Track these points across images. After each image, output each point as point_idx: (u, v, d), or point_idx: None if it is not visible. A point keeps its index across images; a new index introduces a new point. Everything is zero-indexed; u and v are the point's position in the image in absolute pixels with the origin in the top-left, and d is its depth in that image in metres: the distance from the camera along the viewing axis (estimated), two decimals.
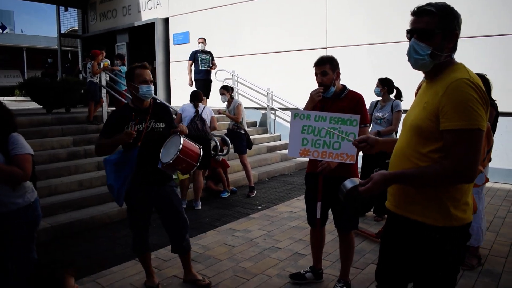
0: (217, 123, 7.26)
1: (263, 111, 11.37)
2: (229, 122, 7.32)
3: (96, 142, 3.48)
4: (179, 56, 13.21)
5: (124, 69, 9.97)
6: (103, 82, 8.73)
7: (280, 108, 10.86)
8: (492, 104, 4.07)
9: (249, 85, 11.53)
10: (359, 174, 3.58)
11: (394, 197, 2.23)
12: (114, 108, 6.54)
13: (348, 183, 2.17)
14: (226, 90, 7.10)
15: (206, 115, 6.46)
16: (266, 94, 11.09)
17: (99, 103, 8.60)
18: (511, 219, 5.65)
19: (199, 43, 9.98)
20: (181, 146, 3.25)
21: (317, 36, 10.28)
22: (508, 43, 7.74)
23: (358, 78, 8.59)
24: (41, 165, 6.32)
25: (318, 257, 3.84)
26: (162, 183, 3.52)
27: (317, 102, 3.45)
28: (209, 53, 10.09)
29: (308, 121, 3.33)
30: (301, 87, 10.52)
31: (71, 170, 6.54)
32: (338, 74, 3.45)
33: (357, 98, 3.42)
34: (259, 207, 6.39)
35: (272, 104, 11.04)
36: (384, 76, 5.87)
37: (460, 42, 2.06)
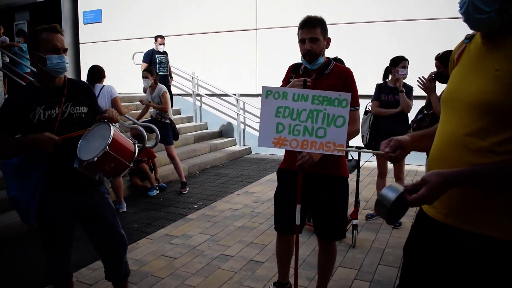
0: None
1: (188, 98, 10.42)
2: (152, 110, 6.35)
3: None
4: (91, 36, 11.79)
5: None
6: None
7: (206, 94, 9.99)
8: None
9: (172, 69, 10.47)
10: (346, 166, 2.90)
11: (443, 203, 1.56)
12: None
13: (390, 193, 1.48)
14: (150, 74, 6.14)
15: (104, 98, 5.08)
16: (191, 79, 10.15)
17: None
18: None
19: (159, 43, 8.39)
20: (110, 138, 2.36)
21: (246, 16, 9.55)
22: None
23: (292, 62, 8.01)
24: None
25: (286, 270, 3.14)
26: (89, 190, 2.58)
27: (290, 72, 2.74)
28: (166, 54, 8.65)
29: (284, 101, 2.58)
30: (229, 71, 9.78)
31: None
32: (329, 41, 2.75)
33: (346, 74, 2.72)
34: (196, 206, 5.55)
35: (197, 90, 10.13)
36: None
37: None
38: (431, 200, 1.44)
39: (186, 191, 6.19)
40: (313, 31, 2.65)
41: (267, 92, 2.60)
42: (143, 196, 6.00)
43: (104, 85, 5.25)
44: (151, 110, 6.43)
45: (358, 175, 4.27)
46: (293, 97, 2.56)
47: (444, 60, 3.69)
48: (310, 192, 2.72)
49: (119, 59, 11.02)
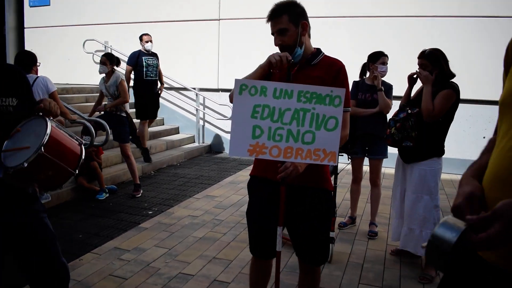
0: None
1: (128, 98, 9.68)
2: (105, 101, 5.69)
3: None
4: (37, 21, 10.78)
5: None
6: None
7: (164, 88, 9.31)
8: (453, 87, 3.26)
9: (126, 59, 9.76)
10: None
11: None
12: None
13: (448, 232, 1.03)
14: (109, 60, 5.46)
15: (38, 93, 4.17)
16: None
17: None
18: None
19: (146, 41, 7.03)
20: (47, 137, 1.80)
21: (208, 5, 8.95)
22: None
23: (257, 56, 7.53)
24: None
25: None
26: (20, 207, 2.00)
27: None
28: (156, 56, 7.29)
29: (263, 98, 2.08)
30: (189, 63, 9.18)
31: None
32: (306, 26, 2.23)
33: (338, 66, 2.23)
34: (150, 212, 4.97)
35: None
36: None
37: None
38: (506, 241, 0.99)
39: (140, 194, 5.57)
40: (279, 21, 2.18)
41: (241, 87, 2.09)
42: (90, 200, 5.33)
43: (38, 77, 4.28)
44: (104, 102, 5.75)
45: (335, 182, 3.84)
46: (274, 93, 2.07)
47: (433, 58, 3.30)
48: (292, 202, 2.24)
49: (68, 47, 10.15)
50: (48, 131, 1.83)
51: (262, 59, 2.25)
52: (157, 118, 9.32)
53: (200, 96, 8.97)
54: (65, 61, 10.24)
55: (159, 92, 7.43)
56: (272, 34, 2.25)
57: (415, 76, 3.45)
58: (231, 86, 2.11)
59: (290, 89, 2.05)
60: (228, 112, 8.54)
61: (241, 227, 4.52)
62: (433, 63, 3.30)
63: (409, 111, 3.30)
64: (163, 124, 9.46)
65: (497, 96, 1.33)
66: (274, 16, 2.20)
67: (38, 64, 4.39)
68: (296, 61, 2.21)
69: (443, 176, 3.72)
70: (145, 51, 7.02)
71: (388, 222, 4.75)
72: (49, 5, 10.69)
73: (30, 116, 1.95)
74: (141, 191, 5.64)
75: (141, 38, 7.08)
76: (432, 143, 3.29)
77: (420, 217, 3.30)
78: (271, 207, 2.24)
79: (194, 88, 8.96)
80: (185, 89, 9.09)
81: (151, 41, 7.06)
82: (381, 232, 4.44)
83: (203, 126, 9.25)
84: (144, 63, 6.94)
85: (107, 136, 5.15)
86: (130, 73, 7.07)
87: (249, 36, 8.39)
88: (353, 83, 4.39)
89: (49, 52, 10.09)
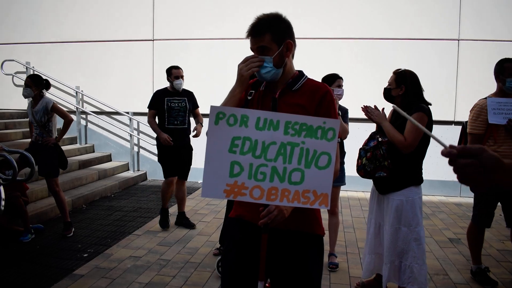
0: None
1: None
2: (35, 130, 4.99)
3: None
4: None
5: None
6: None
7: (93, 112, 8.64)
8: (423, 108, 3.11)
9: (52, 82, 8.96)
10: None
11: None
12: None
13: None
14: (35, 83, 4.82)
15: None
16: (75, 94, 8.71)
17: None
18: None
19: (175, 77, 5.16)
20: None
21: (142, 25, 8.49)
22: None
23: (195, 78, 7.18)
24: None
25: None
26: None
27: (248, 89, 1.92)
28: (188, 95, 5.36)
29: (243, 129, 1.73)
30: (121, 86, 8.62)
31: None
32: (290, 46, 1.93)
33: (323, 92, 1.94)
34: (85, 254, 4.36)
35: (82, 107, 8.73)
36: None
37: None
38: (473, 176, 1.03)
39: (71, 234, 4.91)
40: (259, 39, 1.89)
41: (218, 115, 1.73)
42: (13, 242, 4.61)
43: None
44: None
45: None
46: (257, 123, 1.74)
47: (400, 78, 3.15)
48: (274, 253, 1.89)
49: None
50: None
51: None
52: (87, 145, 8.67)
53: (134, 120, 8.40)
54: None
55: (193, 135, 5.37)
56: (251, 49, 1.93)
57: (366, 115, 3.27)
58: None
59: (276, 119, 1.73)
60: None
61: (191, 266, 4.08)
62: (398, 83, 3.15)
63: (380, 139, 3.09)
64: (94, 151, 8.74)
65: None
66: (255, 34, 1.89)
67: None
68: (273, 78, 1.91)
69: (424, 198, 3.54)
70: (171, 90, 5.27)
71: (346, 251, 4.53)
72: None
73: None
74: (73, 230, 4.98)
75: (169, 72, 5.23)
76: (408, 171, 3.08)
77: (398, 249, 3.07)
78: (250, 255, 1.88)
79: (127, 112, 8.39)
80: (117, 113, 8.48)
81: (182, 77, 5.22)
82: (342, 263, 4.20)
83: (138, 152, 8.67)
84: (165, 106, 5.25)
85: (32, 171, 4.47)
86: (154, 118, 5.31)
87: (186, 57, 8.02)
88: None
89: None
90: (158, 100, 5.21)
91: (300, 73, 2.01)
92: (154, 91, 5.55)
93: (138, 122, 8.50)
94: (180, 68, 5.25)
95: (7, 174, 4.28)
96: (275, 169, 1.74)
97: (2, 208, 3.97)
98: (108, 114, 8.68)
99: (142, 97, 8.46)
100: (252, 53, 1.94)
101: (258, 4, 7.45)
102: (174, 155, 5.23)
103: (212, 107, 1.72)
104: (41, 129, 4.81)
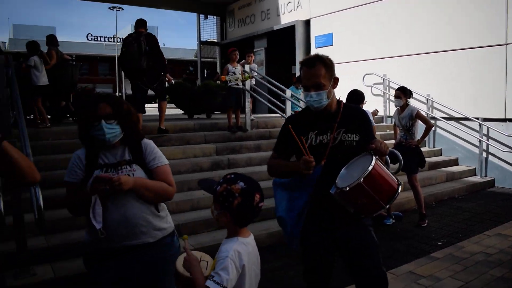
0: None
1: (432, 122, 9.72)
2: (399, 132, 5.96)
3: (269, 159, 2.59)
4: None
5: (299, 92, 9.15)
6: (248, 87, 7.99)
7: (443, 118, 9.16)
8: None
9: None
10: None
11: None
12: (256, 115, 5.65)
13: None
14: (403, 93, 5.77)
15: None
16: (426, 101, 9.46)
17: (238, 109, 7.82)
18: None
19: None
20: (367, 172, 2.13)
21: (493, 30, 8.39)
22: None
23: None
24: (183, 174, 5.70)
25: None
26: (350, 223, 2.44)
27: None
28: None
29: None
30: (471, 92, 8.79)
31: None
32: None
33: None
34: (439, 243, 4.96)
35: (432, 113, 9.38)
36: None
37: None
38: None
39: (425, 224, 5.63)
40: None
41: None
42: (377, 224, 5.68)
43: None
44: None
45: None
46: None
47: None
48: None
49: (349, 81, 11.06)
50: (370, 167, 2.17)
51: None
52: (435, 149, 9.22)
53: (484, 126, 8.43)
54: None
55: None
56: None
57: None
58: None
59: None
60: None
61: None
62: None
63: None
64: (441, 155, 9.26)
65: None
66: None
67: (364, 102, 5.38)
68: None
69: None
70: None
71: None
72: (332, 45, 11.92)
73: (364, 152, 2.35)
74: (427, 221, 5.69)
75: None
76: None
77: None
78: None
79: (477, 118, 8.49)
80: (466, 119, 8.70)
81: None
82: None
83: (486, 158, 8.63)
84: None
85: (399, 166, 5.41)
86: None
87: None
88: None
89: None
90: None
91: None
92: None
93: (488, 128, 8.48)
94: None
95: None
96: None
97: None
98: (457, 119, 8.99)
99: (493, 103, 8.42)
100: None
101: None
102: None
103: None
104: (405, 132, 5.71)
